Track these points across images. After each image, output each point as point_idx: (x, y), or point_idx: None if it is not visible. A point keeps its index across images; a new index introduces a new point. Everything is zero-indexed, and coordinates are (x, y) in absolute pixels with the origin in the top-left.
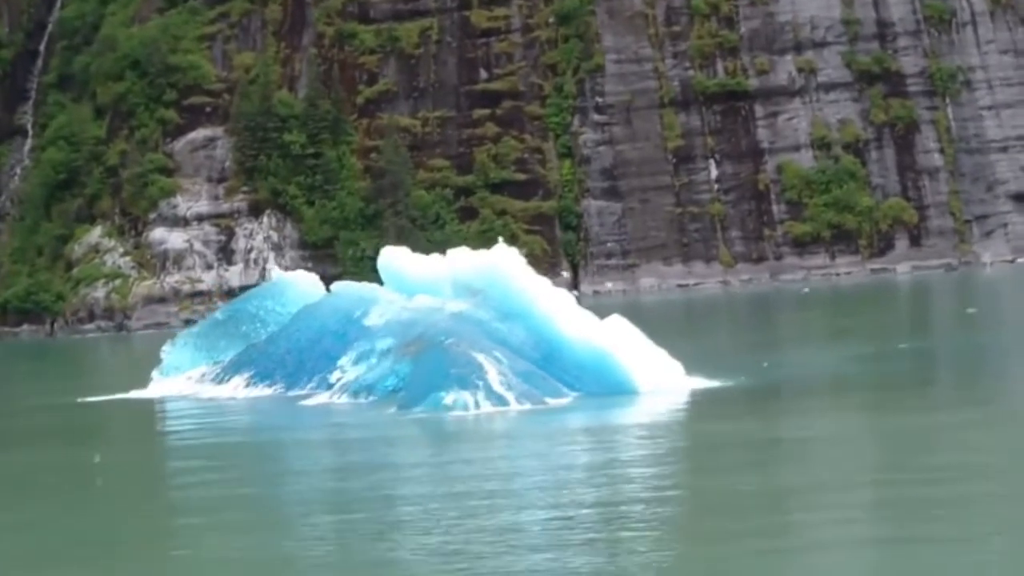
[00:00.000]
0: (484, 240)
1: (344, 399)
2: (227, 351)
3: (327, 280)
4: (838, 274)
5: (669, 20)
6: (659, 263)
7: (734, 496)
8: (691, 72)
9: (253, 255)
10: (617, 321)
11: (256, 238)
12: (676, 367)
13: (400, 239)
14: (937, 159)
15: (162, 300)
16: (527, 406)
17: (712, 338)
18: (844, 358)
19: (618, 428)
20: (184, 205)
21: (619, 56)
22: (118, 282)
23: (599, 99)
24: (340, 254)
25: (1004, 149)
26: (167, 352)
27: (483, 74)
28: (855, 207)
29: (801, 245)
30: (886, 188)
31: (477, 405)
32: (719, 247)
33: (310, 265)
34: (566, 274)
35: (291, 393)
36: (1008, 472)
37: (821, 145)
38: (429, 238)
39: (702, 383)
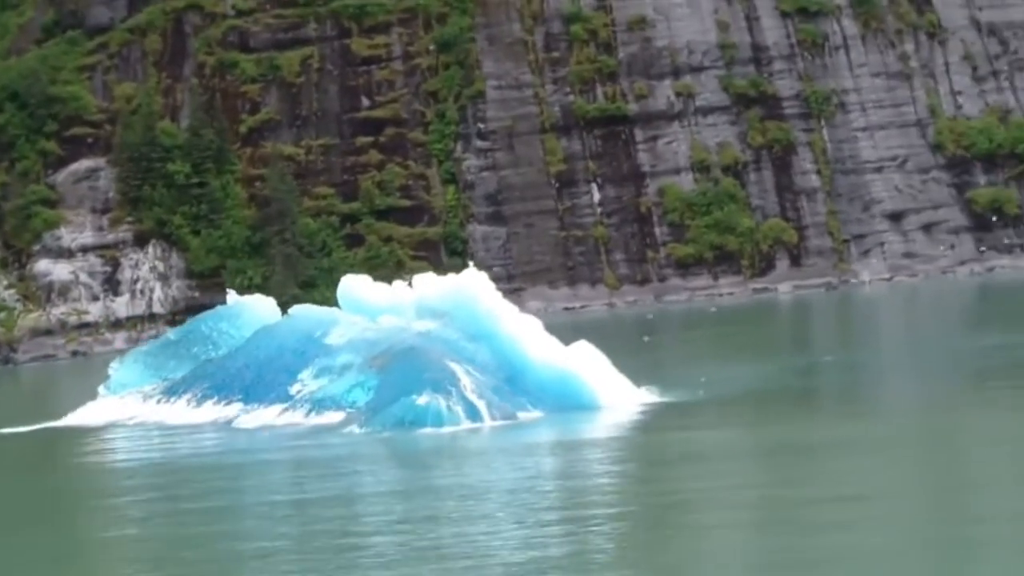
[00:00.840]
0: (371, 267)
1: (302, 417)
2: (177, 371)
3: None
4: (721, 295)
5: (548, 46)
6: (545, 287)
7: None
8: (571, 97)
9: (139, 285)
10: (581, 345)
11: (142, 268)
12: (626, 383)
13: (288, 267)
14: (814, 180)
15: (48, 332)
16: (499, 422)
17: (642, 356)
18: (777, 371)
19: (592, 442)
20: (68, 236)
21: (500, 82)
22: (3, 315)
23: (481, 125)
24: (228, 283)
25: (879, 169)
26: (115, 369)
27: (365, 102)
28: (736, 228)
29: (684, 267)
30: (766, 209)
31: (450, 411)
32: (604, 270)
33: (197, 295)
34: None
35: (248, 407)
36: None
37: (701, 168)
38: (316, 265)
39: (653, 398)
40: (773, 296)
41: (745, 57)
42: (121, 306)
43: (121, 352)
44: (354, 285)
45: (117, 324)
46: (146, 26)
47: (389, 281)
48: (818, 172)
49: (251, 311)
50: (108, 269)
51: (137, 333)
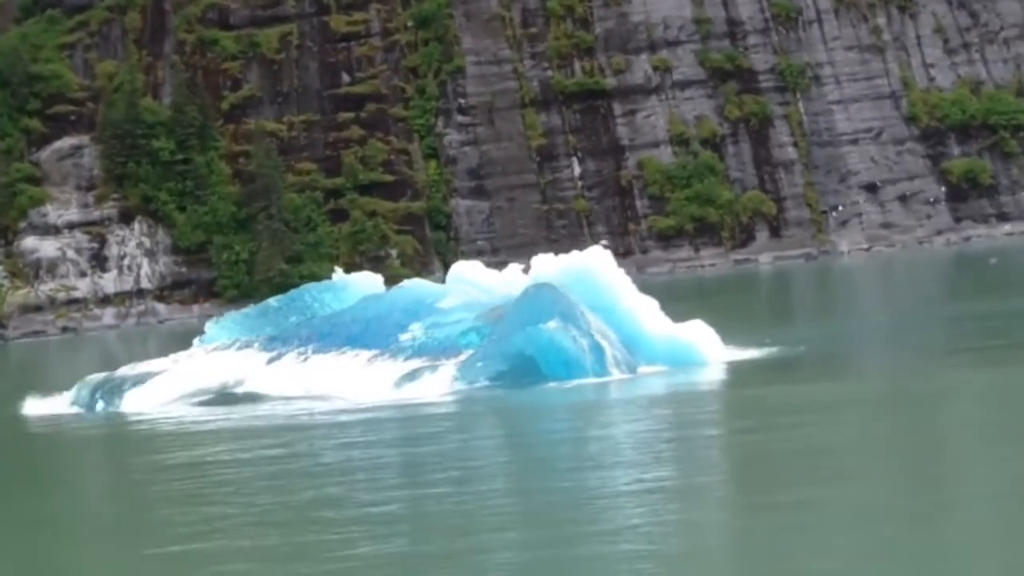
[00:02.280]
0: (356, 241)
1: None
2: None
3: (200, 284)
4: (703, 266)
5: (526, 22)
6: (529, 259)
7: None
8: (549, 72)
9: (127, 261)
10: (695, 323)
11: (128, 244)
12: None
13: (274, 242)
14: (791, 152)
15: (38, 308)
16: (624, 373)
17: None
18: (845, 330)
19: (739, 395)
20: (54, 213)
21: (478, 58)
22: None
23: (461, 100)
24: (214, 258)
25: (854, 141)
26: (210, 328)
27: (345, 78)
28: (716, 200)
29: (666, 239)
30: (744, 181)
31: (576, 344)
32: (586, 242)
33: (184, 270)
34: (439, 272)
35: (354, 354)
36: None
37: (679, 141)
38: (303, 240)
39: (743, 354)
40: (754, 267)
41: (720, 31)
42: (109, 282)
43: (111, 328)
44: (465, 269)
45: (105, 300)
46: (125, 4)
47: (375, 255)
48: (795, 144)
49: (357, 285)
50: (95, 245)
51: (126, 309)
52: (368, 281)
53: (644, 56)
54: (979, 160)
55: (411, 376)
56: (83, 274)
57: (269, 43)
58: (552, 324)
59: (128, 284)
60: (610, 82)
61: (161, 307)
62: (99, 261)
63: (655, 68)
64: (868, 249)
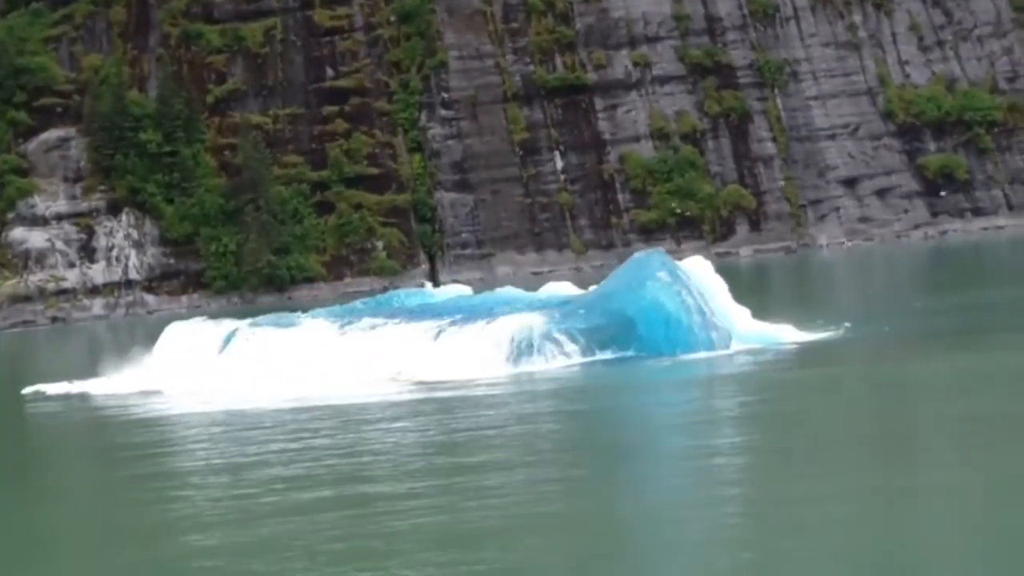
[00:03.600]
0: (342, 233)
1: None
2: None
3: (189, 275)
4: (684, 259)
5: (507, 17)
6: (513, 252)
7: None
8: (531, 67)
9: (115, 253)
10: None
11: (117, 236)
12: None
13: (262, 234)
14: (770, 147)
15: (28, 299)
16: (720, 349)
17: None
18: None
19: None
20: (42, 205)
21: (461, 53)
22: None
23: (444, 95)
24: (202, 250)
25: (832, 137)
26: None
27: (329, 72)
28: (696, 194)
29: (648, 232)
30: (724, 176)
31: (684, 306)
32: (570, 235)
33: (172, 261)
34: (424, 265)
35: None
36: None
37: (660, 136)
38: (290, 232)
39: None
40: (735, 260)
41: (699, 28)
42: (98, 273)
43: (100, 318)
44: (557, 288)
45: (94, 290)
46: None
47: (361, 248)
48: (774, 139)
49: (446, 293)
50: (83, 237)
51: (115, 299)
52: (457, 290)
53: (624, 52)
54: (954, 156)
55: (522, 348)
56: (72, 265)
57: (254, 37)
58: (662, 276)
59: (117, 275)
60: (591, 77)
61: (150, 298)
62: (87, 252)
63: (635, 64)
64: (846, 243)
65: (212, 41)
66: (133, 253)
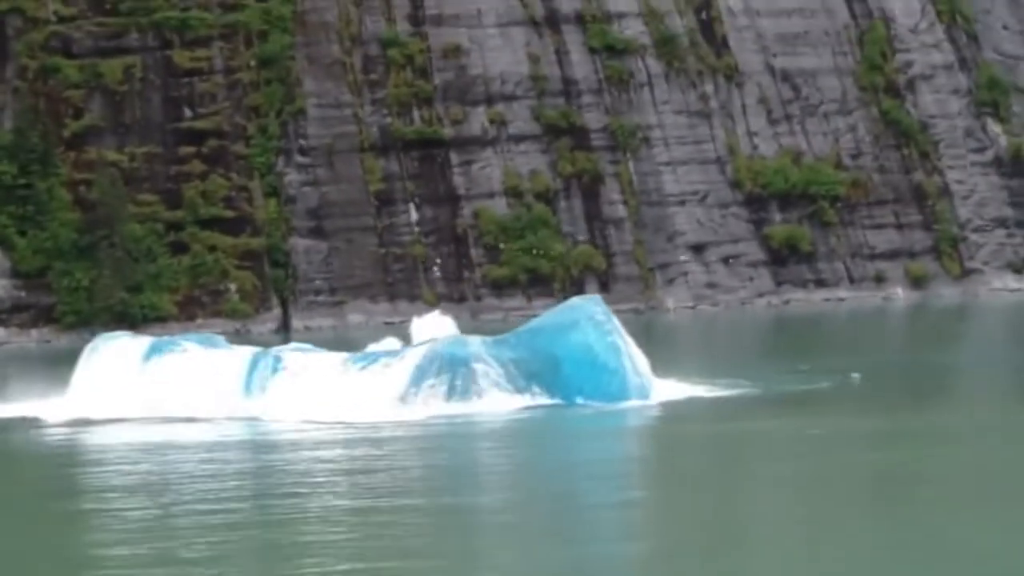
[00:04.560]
0: (196, 275)
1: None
2: None
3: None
4: (536, 315)
5: (367, 68)
6: (366, 301)
7: None
8: (389, 119)
9: None
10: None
11: None
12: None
13: (116, 271)
14: (621, 210)
15: None
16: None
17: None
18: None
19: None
20: None
21: (320, 101)
22: None
23: (302, 142)
24: (54, 284)
25: (681, 203)
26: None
27: (187, 112)
28: (548, 252)
29: (499, 287)
30: (576, 236)
31: (613, 350)
32: (422, 287)
33: (23, 294)
34: (277, 310)
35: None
36: None
37: (514, 193)
38: (144, 271)
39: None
40: None
41: (555, 89)
42: None
43: None
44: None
45: None
46: None
47: (214, 289)
48: (625, 203)
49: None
50: None
51: None
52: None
53: (481, 108)
54: (799, 227)
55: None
56: None
57: (113, 74)
58: (594, 320)
59: None
60: (448, 132)
61: None
62: None
63: (491, 121)
64: (693, 307)
65: (70, 76)
66: None
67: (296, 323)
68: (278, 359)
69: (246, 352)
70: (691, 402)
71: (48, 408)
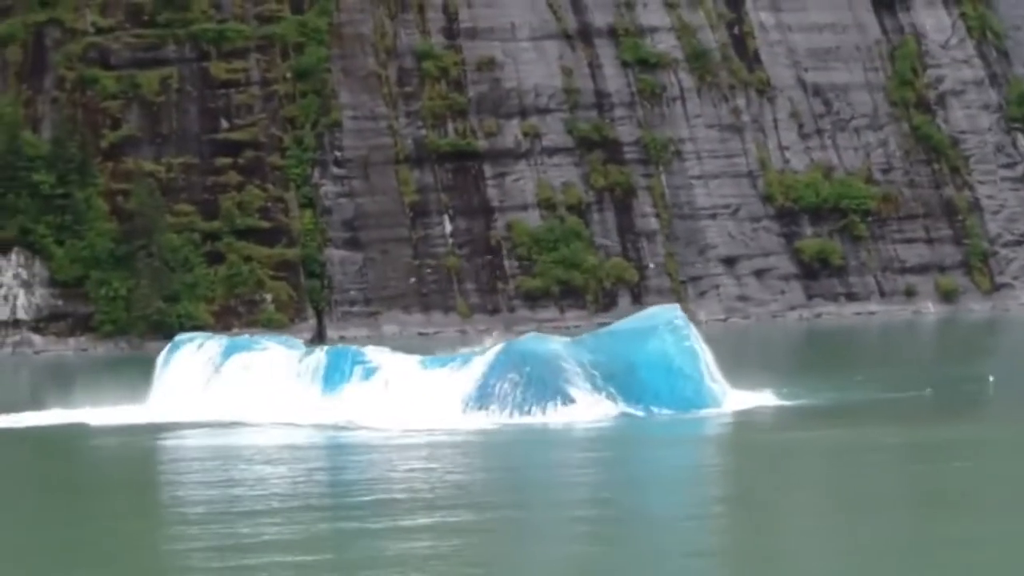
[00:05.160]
0: (231, 284)
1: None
2: None
3: (77, 317)
4: (568, 327)
5: (401, 81)
6: (400, 312)
7: None
8: (424, 131)
9: (3, 292)
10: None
11: (6, 275)
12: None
13: (154, 280)
14: (653, 223)
15: None
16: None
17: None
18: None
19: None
20: None
21: (355, 113)
22: None
23: (338, 153)
24: (92, 293)
25: (713, 216)
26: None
27: (224, 123)
28: (581, 265)
29: (532, 299)
30: (608, 248)
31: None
32: (456, 298)
33: (61, 303)
34: (312, 320)
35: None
36: None
37: (547, 206)
38: (181, 280)
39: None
40: None
41: (588, 102)
42: None
43: None
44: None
45: None
46: (7, 38)
47: (250, 299)
48: (657, 216)
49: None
50: None
51: (1, 338)
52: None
53: (515, 121)
54: (830, 241)
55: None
56: None
57: (150, 85)
58: (666, 332)
59: (4, 314)
60: (482, 144)
61: (37, 338)
62: None
63: (525, 134)
64: (725, 320)
65: (108, 87)
66: (21, 293)
67: (331, 333)
68: (362, 362)
69: (320, 354)
70: (764, 411)
71: (134, 413)
